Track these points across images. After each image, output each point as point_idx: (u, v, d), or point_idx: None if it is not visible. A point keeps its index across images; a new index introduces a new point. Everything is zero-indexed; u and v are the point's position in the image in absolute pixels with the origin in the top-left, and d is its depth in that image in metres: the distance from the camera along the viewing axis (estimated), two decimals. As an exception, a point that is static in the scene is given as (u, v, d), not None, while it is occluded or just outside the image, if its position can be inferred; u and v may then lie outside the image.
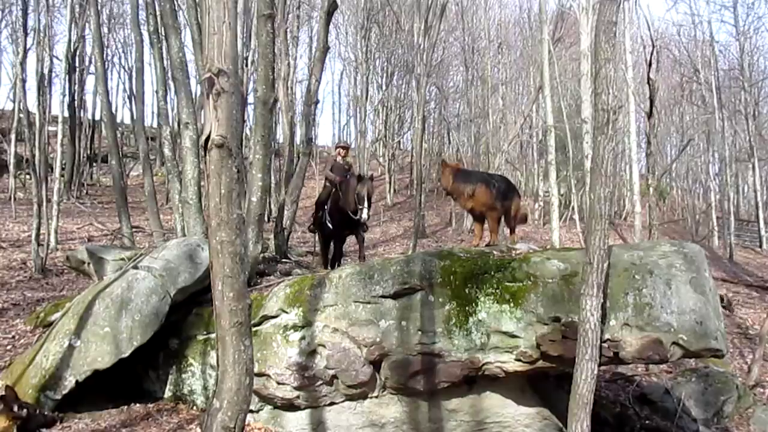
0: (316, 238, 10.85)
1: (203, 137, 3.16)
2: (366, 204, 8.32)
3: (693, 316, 4.94)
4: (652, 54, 9.62)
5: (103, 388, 6.29)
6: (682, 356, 5.14)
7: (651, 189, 12.16)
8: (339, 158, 9.64)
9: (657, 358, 5.07)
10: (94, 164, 28.22)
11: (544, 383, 6.25)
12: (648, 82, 9.97)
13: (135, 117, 19.31)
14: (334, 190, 9.15)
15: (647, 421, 7.25)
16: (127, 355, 6.13)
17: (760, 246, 22.38)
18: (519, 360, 5.33)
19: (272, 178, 17.98)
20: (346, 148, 10.09)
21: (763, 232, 22.61)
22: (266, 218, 14.52)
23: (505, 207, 7.52)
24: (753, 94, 23.68)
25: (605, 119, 4.71)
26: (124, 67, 29.81)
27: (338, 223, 8.90)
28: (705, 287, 5.11)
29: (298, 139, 17.49)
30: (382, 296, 5.73)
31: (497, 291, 5.46)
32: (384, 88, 27.56)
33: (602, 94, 4.79)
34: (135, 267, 6.75)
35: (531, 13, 25.01)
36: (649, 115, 10.28)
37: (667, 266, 5.17)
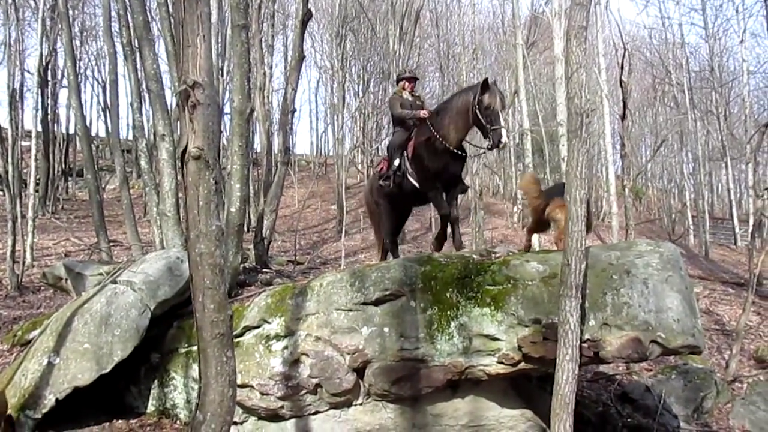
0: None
1: (180, 149, 3.17)
2: (501, 122, 6.19)
3: (670, 314, 5.00)
4: (623, 57, 9.78)
5: (85, 406, 6.21)
6: (660, 354, 5.20)
7: (626, 190, 12.34)
8: (406, 93, 7.47)
9: (636, 357, 5.12)
10: (70, 178, 27.93)
11: (526, 385, 6.30)
12: (620, 85, 10.14)
13: (110, 130, 19.14)
14: (416, 127, 7.02)
15: (629, 420, 7.32)
16: (108, 371, 6.06)
17: (735, 243, 22.78)
18: (501, 363, 5.35)
19: (251, 187, 17.93)
20: (414, 79, 7.73)
21: (737, 230, 23.02)
22: (246, 228, 14.51)
23: None
24: (724, 95, 24.17)
25: (579, 123, 4.78)
26: (97, 80, 29.61)
27: (432, 171, 6.69)
28: (681, 285, 5.19)
29: (276, 149, 17.45)
30: (364, 303, 5.73)
31: (478, 295, 5.48)
32: (361, 95, 27.68)
33: (575, 98, 4.86)
34: (114, 281, 6.69)
35: (505, 18, 25.26)
36: (623, 117, 10.45)
37: (644, 266, 5.23)
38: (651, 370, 8.81)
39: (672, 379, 8.16)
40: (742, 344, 9.21)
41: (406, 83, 7.54)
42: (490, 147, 6.49)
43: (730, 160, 23.33)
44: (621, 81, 9.99)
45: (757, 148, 18.23)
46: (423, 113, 6.94)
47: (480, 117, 6.23)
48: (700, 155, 23.50)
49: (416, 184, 6.93)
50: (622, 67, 9.94)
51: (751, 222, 20.09)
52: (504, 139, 6.21)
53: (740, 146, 23.86)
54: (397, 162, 7.08)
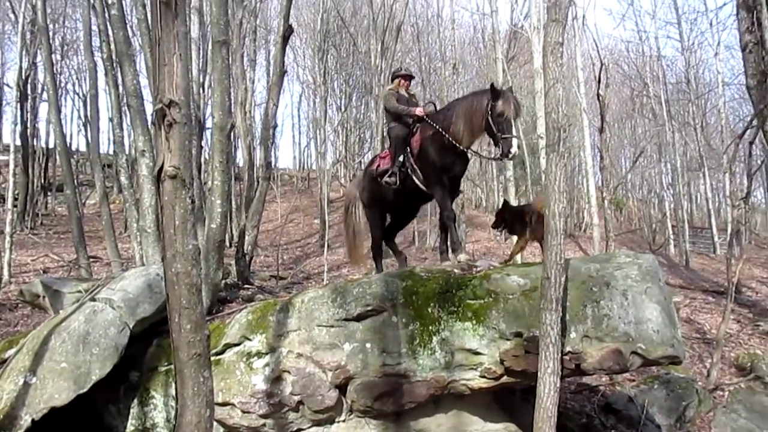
0: (356, 218, 7.75)
1: (156, 168, 3.16)
2: (513, 131, 5.95)
3: (650, 325, 5.04)
4: (600, 71, 9.92)
5: (62, 426, 6.10)
6: (641, 365, 5.23)
7: (606, 201, 12.47)
8: (402, 90, 7.27)
9: (617, 368, 5.16)
10: (49, 193, 27.60)
11: (510, 398, 6.31)
12: (598, 98, 10.27)
13: (90, 144, 18.99)
14: (420, 125, 6.76)
15: (613, 430, 7.36)
16: (85, 390, 5.95)
17: (714, 252, 23.02)
18: (484, 377, 5.36)
19: (233, 202, 17.86)
20: (410, 77, 7.53)
21: (716, 239, 23.28)
22: (228, 243, 14.42)
23: None
24: (700, 106, 24.51)
25: (556, 137, 4.83)
26: (78, 94, 29.33)
27: (439, 168, 6.43)
28: (660, 296, 5.24)
29: (257, 163, 17.38)
30: (346, 319, 5.72)
31: (459, 309, 5.49)
32: (343, 109, 27.73)
33: (552, 113, 4.92)
34: (92, 299, 6.60)
35: (485, 33, 25.48)
36: (601, 130, 10.59)
37: (623, 277, 5.28)
38: (634, 381, 8.85)
39: (654, 389, 8.20)
40: (723, 352, 9.29)
41: (402, 80, 7.33)
42: (499, 156, 6.24)
43: (708, 170, 23.66)
44: (598, 95, 10.12)
45: (733, 158, 18.52)
46: (418, 111, 6.79)
47: (492, 124, 5.96)
48: (679, 166, 23.78)
49: (419, 184, 6.67)
50: (599, 81, 10.08)
51: (729, 231, 20.40)
52: (514, 149, 5.97)
53: (717, 156, 24.20)
54: (401, 158, 6.73)
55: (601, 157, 12.45)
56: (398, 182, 6.74)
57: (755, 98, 10.34)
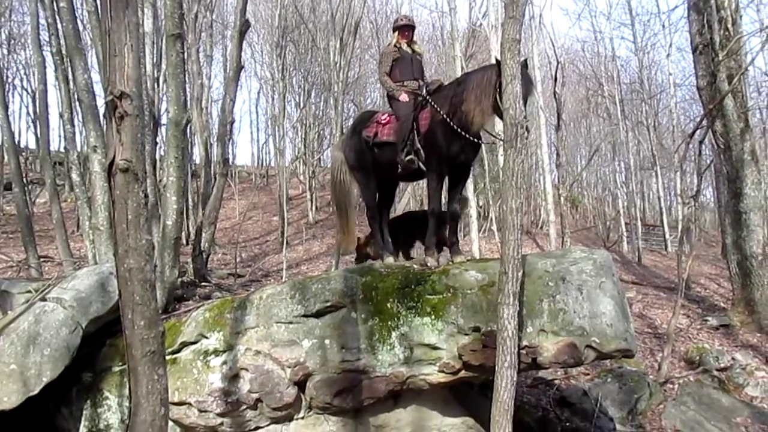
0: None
1: (107, 162, 3.08)
2: (524, 111, 5.08)
3: (604, 320, 5.14)
4: (557, 70, 10.08)
5: (11, 430, 5.92)
6: (595, 358, 5.34)
7: (562, 198, 12.69)
8: (404, 45, 6.37)
9: (572, 362, 5.24)
10: (-3, 192, 26.70)
11: (468, 392, 6.37)
12: (554, 97, 10.43)
13: (40, 141, 18.42)
14: (426, 101, 6.04)
15: (567, 423, 7.48)
16: (36, 392, 5.79)
17: (666, 249, 23.66)
18: (442, 371, 5.39)
19: (190, 200, 17.57)
20: (411, 27, 6.48)
21: (667, 236, 23.93)
22: (185, 241, 14.18)
23: None
24: (653, 106, 25.14)
25: (513, 133, 4.88)
26: (26, 90, 28.45)
27: (444, 155, 5.87)
28: (614, 291, 5.35)
29: (214, 160, 17.14)
30: (304, 315, 5.69)
31: (418, 304, 5.52)
32: (302, 105, 27.53)
33: (510, 110, 4.96)
34: (43, 299, 6.41)
35: (444, 30, 25.61)
36: (557, 128, 10.77)
37: (578, 272, 5.37)
38: (588, 374, 9.02)
39: (608, 383, 8.38)
40: (673, 346, 9.53)
41: (401, 31, 6.41)
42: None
43: (660, 169, 24.27)
44: (554, 93, 10.28)
45: (683, 158, 19.04)
46: (403, 97, 6.14)
47: (500, 102, 5.10)
48: (632, 164, 24.39)
49: (422, 165, 6.05)
50: (555, 80, 10.24)
51: (680, 228, 20.98)
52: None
53: (669, 156, 24.86)
54: (410, 140, 6.00)
55: (558, 155, 12.66)
56: (418, 164, 6.04)
57: (705, 99, 10.67)
